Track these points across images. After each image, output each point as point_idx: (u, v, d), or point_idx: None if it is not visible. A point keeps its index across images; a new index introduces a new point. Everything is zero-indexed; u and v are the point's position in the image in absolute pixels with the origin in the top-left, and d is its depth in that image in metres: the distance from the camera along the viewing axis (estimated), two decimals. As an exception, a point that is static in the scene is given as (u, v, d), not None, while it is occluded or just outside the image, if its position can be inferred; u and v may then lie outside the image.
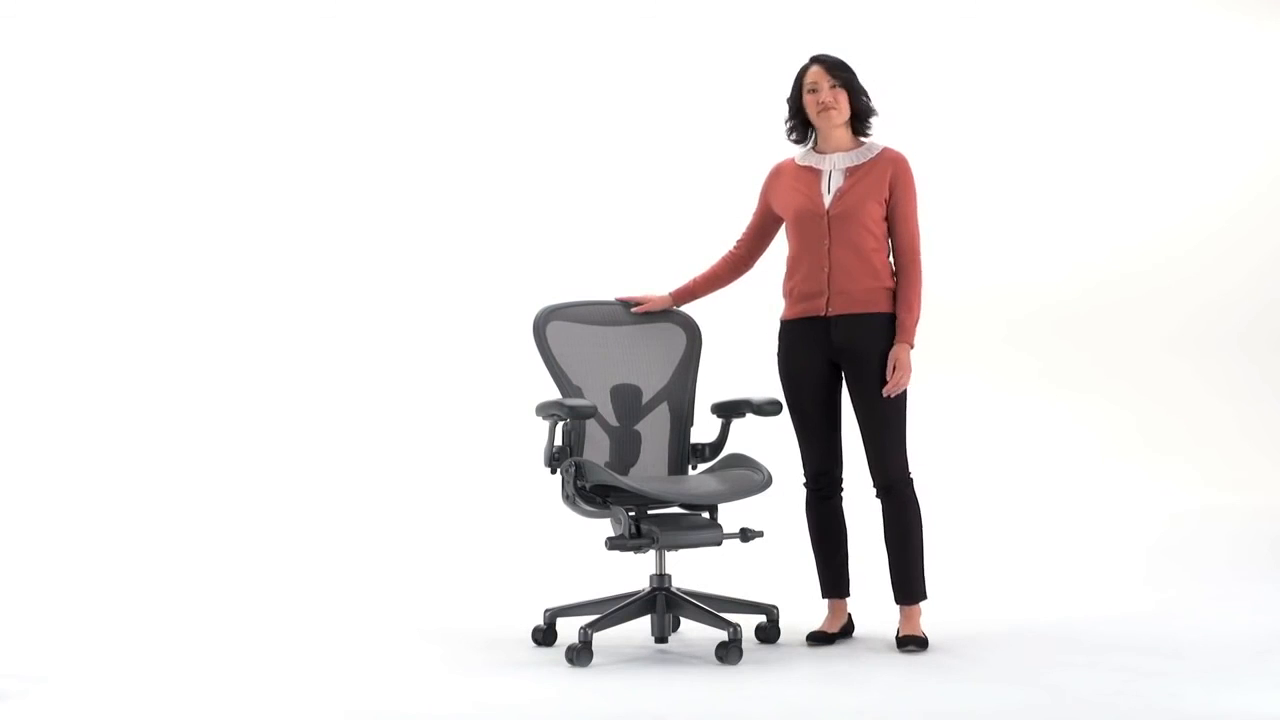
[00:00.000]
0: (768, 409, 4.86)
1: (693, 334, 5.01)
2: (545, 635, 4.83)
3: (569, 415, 4.70)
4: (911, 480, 4.76)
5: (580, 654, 4.55)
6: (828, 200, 4.73)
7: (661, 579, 4.75)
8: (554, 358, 4.88)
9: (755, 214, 4.96)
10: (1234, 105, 8.11)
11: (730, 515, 4.90)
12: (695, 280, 5.02)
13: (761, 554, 5.47)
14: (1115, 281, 8.04)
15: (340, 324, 7.72)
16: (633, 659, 4.65)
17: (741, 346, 6.37)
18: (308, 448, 7.48)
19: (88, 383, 7.57)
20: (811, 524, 4.90)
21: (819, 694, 4.26)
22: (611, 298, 5.06)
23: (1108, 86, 8.04)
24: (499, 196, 7.85)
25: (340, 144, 7.77)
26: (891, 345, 4.70)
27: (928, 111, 7.65)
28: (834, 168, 4.76)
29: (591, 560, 5.36)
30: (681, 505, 4.76)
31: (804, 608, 4.97)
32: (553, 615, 4.84)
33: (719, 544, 4.73)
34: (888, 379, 4.68)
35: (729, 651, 4.56)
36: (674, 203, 7.84)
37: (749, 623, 4.83)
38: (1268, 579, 5.89)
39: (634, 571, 5.06)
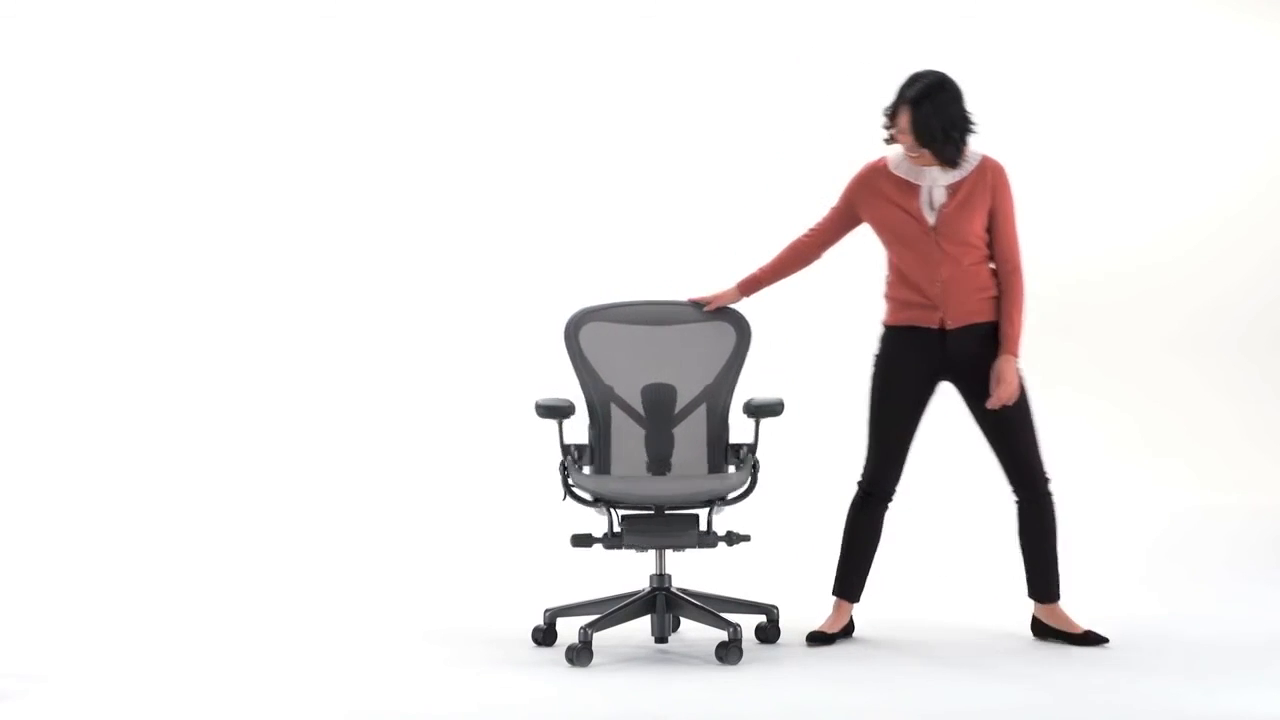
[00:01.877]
0: (765, 410, 4.80)
1: (743, 332, 4.92)
2: (545, 635, 4.83)
3: (543, 414, 4.75)
4: (1049, 480, 4.77)
5: (580, 654, 4.55)
6: (932, 218, 4.68)
7: (661, 579, 4.75)
8: (584, 358, 4.87)
9: (835, 210, 4.84)
10: (1234, 105, 8.10)
11: (731, 515, 4.89)
12: (762, 269, 4.93)
13: (762, 554, 5.46)
14: (1115, 281, 8.03)
15: (342, 326, 7.71)
16: (633, 659, 4.64)
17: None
18: (309, 449, 7.48)
19: (88, 383, 7.57)
20: (850, 524, 4.86)
21: (819, 694, 4.26)
22: (646, 297, 5.00)
23: (1107, 86, 8.03)
24: (503, 198, 7.84)
25: (346, 145, 7.75)
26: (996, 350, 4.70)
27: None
28: (934, 183, 4.69)
29: (591, 560, 5.35)
30: (646, 505, 4.71)
31: (804, 608, 4.96)
32: (553, 615, 4.83)
33: (692, 547, 4.68)
34: (991, 392, 4.68)
35: (729, 651, 4.56)
36: (677, 203, 7.82)
37: (749, 623, 4.83)
38: (1268, 579, 5.89)
39: (634, 571, 5.05)
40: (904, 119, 4.65)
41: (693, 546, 4.68)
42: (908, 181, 4.72)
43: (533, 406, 4.81)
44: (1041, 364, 7.89)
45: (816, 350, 7.44)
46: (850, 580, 4.87)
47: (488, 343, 7.66)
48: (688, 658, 4.66)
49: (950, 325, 4.70)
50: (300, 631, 5.10)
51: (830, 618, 4.87)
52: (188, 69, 7.69)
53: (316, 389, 7.64)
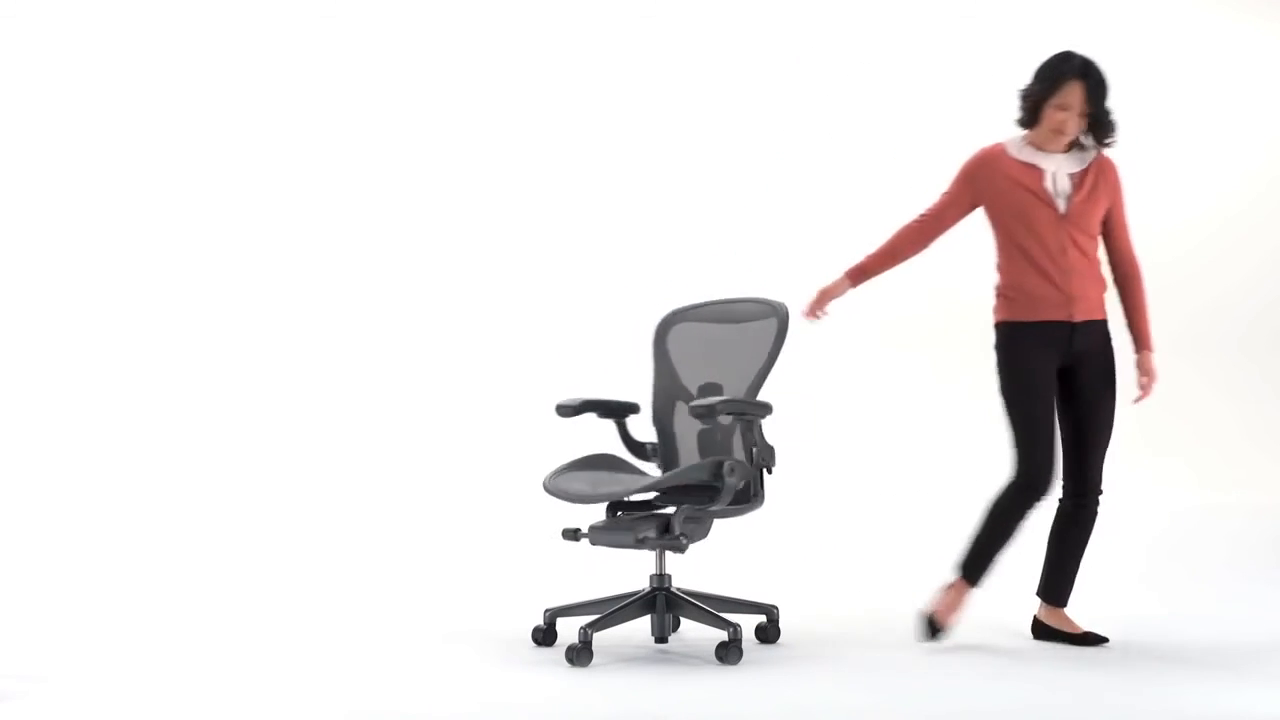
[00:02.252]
0: (699, 412, 4.61)
1: (781, 327, 4.77)
2: (545, 635, 4.83)
3: (559, 414, 4.78)
4: (1103, 491, 4.80)
5: (580, 654, 4.55)
6: (1062, 204, 4.65)
7: (661, 579, 4.75)
8: (669, 357, 4.86)
9: (949, 195, 4.77)
10: (1234, 105, 8.10)
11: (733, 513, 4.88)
12: (869, 258, 4.82)
13: (762, 554, 5.47)
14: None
15: (346, 328, 7.73)
16: (633, 659, 4.64)
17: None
18: (312, 451, 7.49)
19: (90, 384, 7.58)
20: (1001, 515, 4.73)
21: (819, 694, 4.25)
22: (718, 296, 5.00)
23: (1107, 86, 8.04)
24: (517, 199, 7.86)
25: (377, 148, 7.81)
26: (1110, 351, 4.73)
27: (927, 112, 7.65)
28: (1058, 170, 4.66)
29: (591, 560, 5.35)
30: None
31: (804, 608, 4.96)
32: (553, 615, 4.83)
33: (627, 547, 4.62)
34: (1140, 387, 4.74)
35: (729, 651, 4.56)
36: (690, 204, 7.84)
37: (749, 623, 4.83)
38: (1268, 579, 5.90)
39: (634, 571, 5.05)
40: (1072, 93, 4.61)
41: (628, 547, 4.62)
42: (1031, 165, 4.67)
43: (533, 408, 4.81)
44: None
45: (816, 351, 7.43)
46: (981, 566, 4.76)
47: (488, 344, 7.66)
48: (688, 658, 4.66)
49: (1078, 318, 4.68)
50: (301, 631, 5.11)
51: (947, 598, 4.76)
52: (190, 70, 7.71)
53: (319, 392, 7.66)
